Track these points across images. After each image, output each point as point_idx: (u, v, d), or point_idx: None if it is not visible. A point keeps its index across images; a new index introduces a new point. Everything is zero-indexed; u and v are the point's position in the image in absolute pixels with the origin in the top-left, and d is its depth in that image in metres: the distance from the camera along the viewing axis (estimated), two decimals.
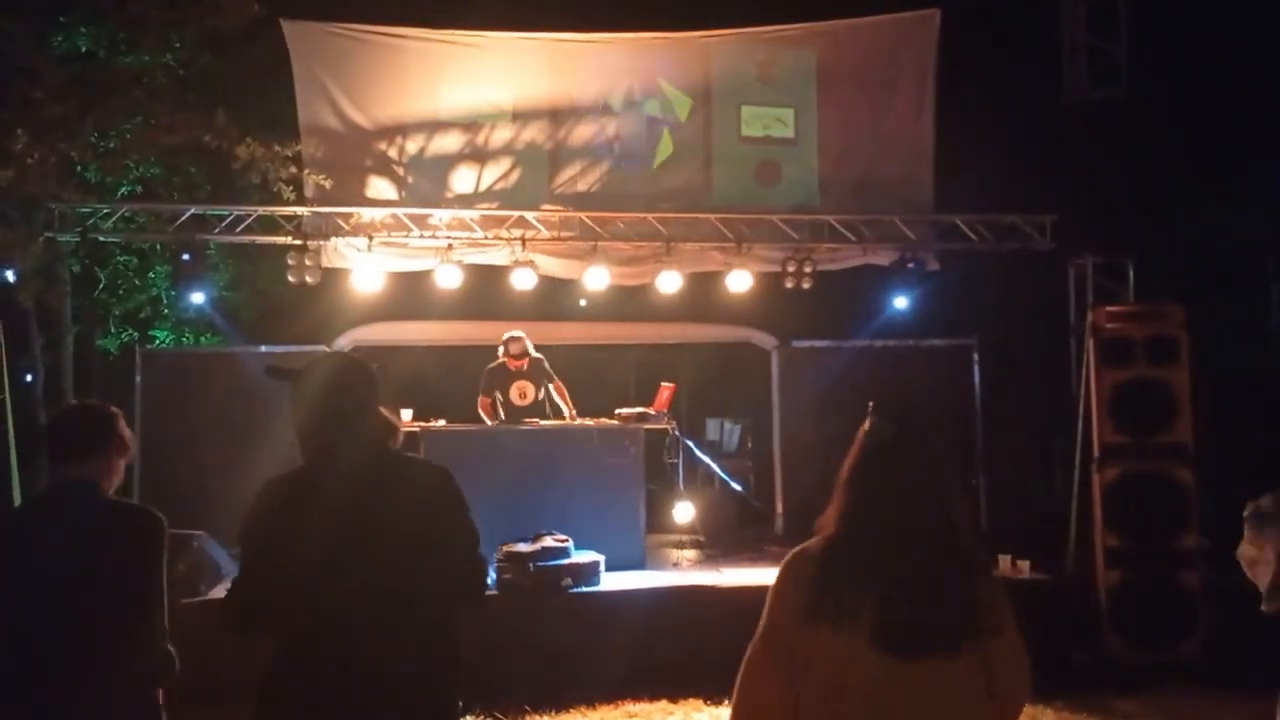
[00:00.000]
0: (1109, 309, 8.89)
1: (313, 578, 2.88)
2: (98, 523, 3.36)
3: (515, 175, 10.55)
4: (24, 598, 3.26)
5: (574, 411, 9.78)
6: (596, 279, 10.33)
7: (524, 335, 9.88)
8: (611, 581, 8.42)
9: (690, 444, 10.81)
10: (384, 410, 3.17)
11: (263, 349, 11.02)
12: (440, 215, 10.20)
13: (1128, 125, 10.49)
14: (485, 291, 10.85)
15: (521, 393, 9.80)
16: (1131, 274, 10.07)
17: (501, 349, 9.85)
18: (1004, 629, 2.62)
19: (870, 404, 2.88)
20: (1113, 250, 10.15)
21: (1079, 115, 10.65)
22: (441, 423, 9.26)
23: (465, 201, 10.39)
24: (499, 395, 9.81)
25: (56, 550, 3.28)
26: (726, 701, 7.20)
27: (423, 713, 2.97)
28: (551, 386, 9.88)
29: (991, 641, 2.59)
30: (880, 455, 2.76)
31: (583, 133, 10.65)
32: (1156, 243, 10.50)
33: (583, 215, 10.31)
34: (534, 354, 9.91)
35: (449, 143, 10.48)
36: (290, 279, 10.11)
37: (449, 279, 10.13)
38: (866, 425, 2.84)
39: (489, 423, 9.61)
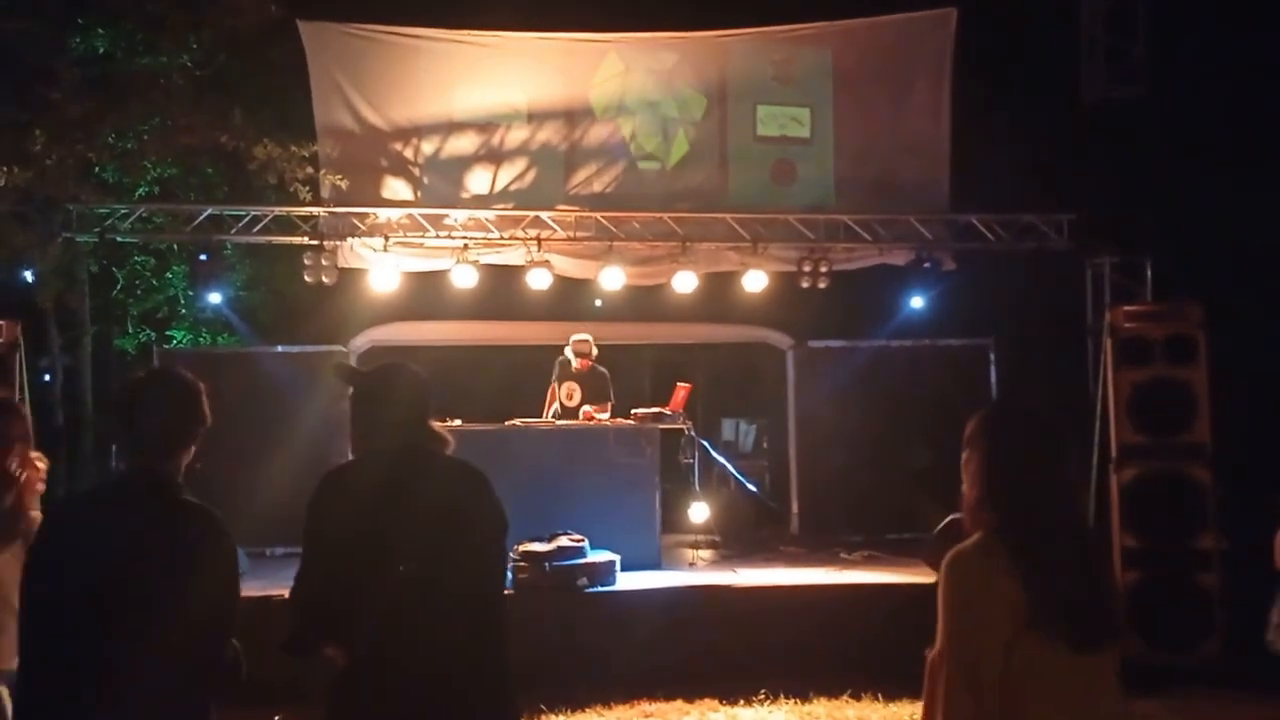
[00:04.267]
0: (1127, 308, 8.83)
1: (364, 561, 2.98)
2: (163, 523, 2.99)
3: (530, 176, 10.56)
4: (68, 593, 2.90)
5: (593, 416, 9.74)
6: (612, 279, 10.33)
7: (589, 339, 9.90)
8: (627, 581, 8.41)
9: (706, 444, 10.79)
10: (434, 423, 3.29)
11: (279, 349, 11.04)
12: (456, 215, 10.23)
13: (1146, 124, 10.44)
14: (501, 291, 10.86)
15: (570, 394, 9.87)
16: (1149, 273, 10.03)
17: (569, 347, 9.93)
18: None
19: (991, 404, 2.83)
20: (1130, 249, 10.12)
21: (1097, 115, 10.61)
22: (457, 422, 9.26)
23: (481, 202, 10.41)
24: (557, 389, 9.91)
25: (111, 547, 2.93)
26: (742, 702, 7.26)
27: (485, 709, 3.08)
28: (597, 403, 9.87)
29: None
30: (1042, 449, 2.70)
31: (598, 133, 10.66)
32: (1175, 242, 10.44)
33: (598, 215, 10.31)
34: (598, 365, 9.94)
35: (464, 143, 10.50)
36: (307, 279, 10.14)
37: (465, 279, 10.15)
38: (983, 419, 2.77)
39: (546, 411, 9.81)
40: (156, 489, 3.03)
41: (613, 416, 9.65)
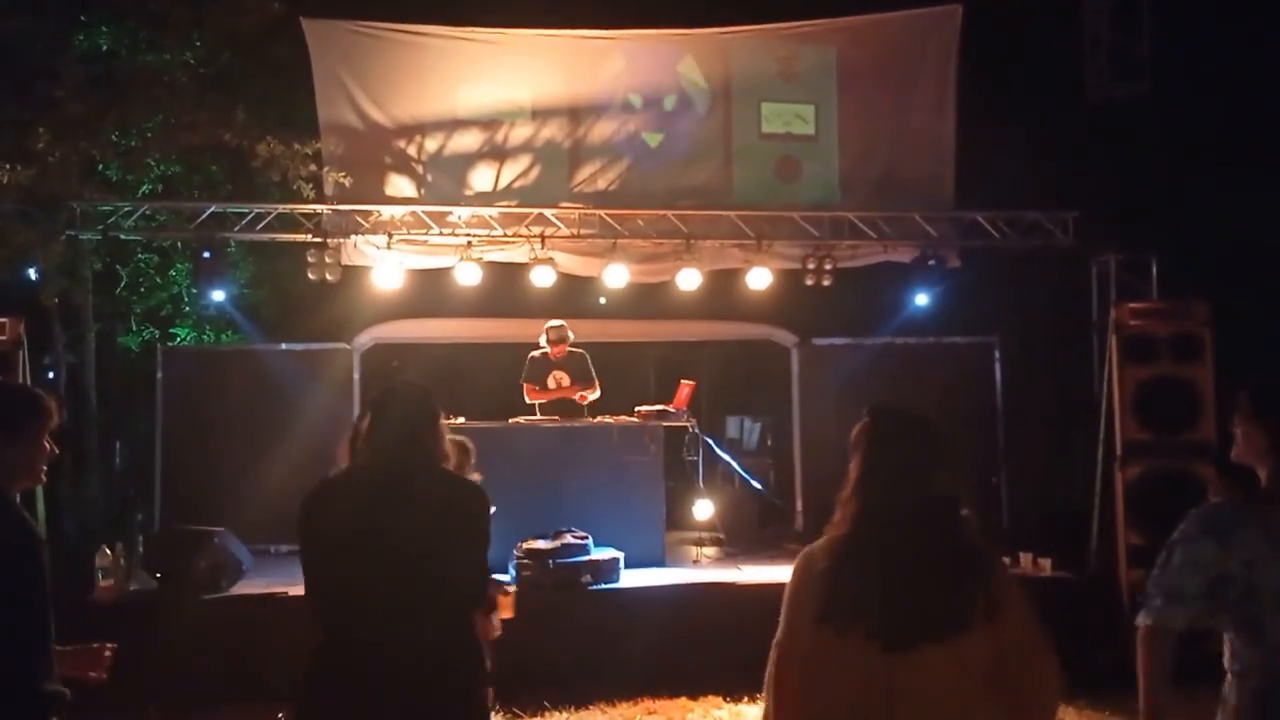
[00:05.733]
0: (1132, 306, 8.83)
1: (344, 565, 3.15)
2: None
3: (534, 173, 10.55)
4: None
5: (586, 399, 9.71)
6: (616, 276, 10.31)
7: (564, 324, 9.84)
8: (631, 579, 8.41)
9: (710, 441, 10.79)
10: (444, 437, 3.43)
11: (283, 347, 11.05)
12: (460, 213, 10.21)
13: (1151, 122, 10.42)
14: (505, 289, 10.84)
15: (558, 381, 9.80)
16: (1155, 271, 10.01)
17: (543, 337, 9.82)
18: (1007, 614, 2.63)
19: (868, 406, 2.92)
20: (1136, 247, 10.10)
21: (1102, 112, 10.59)
22: (461, 420, 9.26)
23: (484, 199, 10.40)
24: (538, 386, 9.82)
25: None
26: (746, 699, 7.26)
27: (447, 704, 3.14)
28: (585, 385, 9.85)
29: (995, 627, 2.60)
30: (876, 450, 2.79)
31: (602, 130, 10.64)
32: (1180, 240, 10.42)
33: (602, 212, 10.30)
34: (575, 349, 9.88)
35: (468, 140, 10.49)
36: (310, 276, 10.13)
37: (468, 276, 10.14)
38: (861, 423, 2.88)
39: (533, 402, 9.70)
40: None
41: (613, 410, 9.65)
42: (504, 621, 4.82)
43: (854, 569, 2.64)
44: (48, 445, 3.17)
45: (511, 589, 5.04)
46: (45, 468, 3.19)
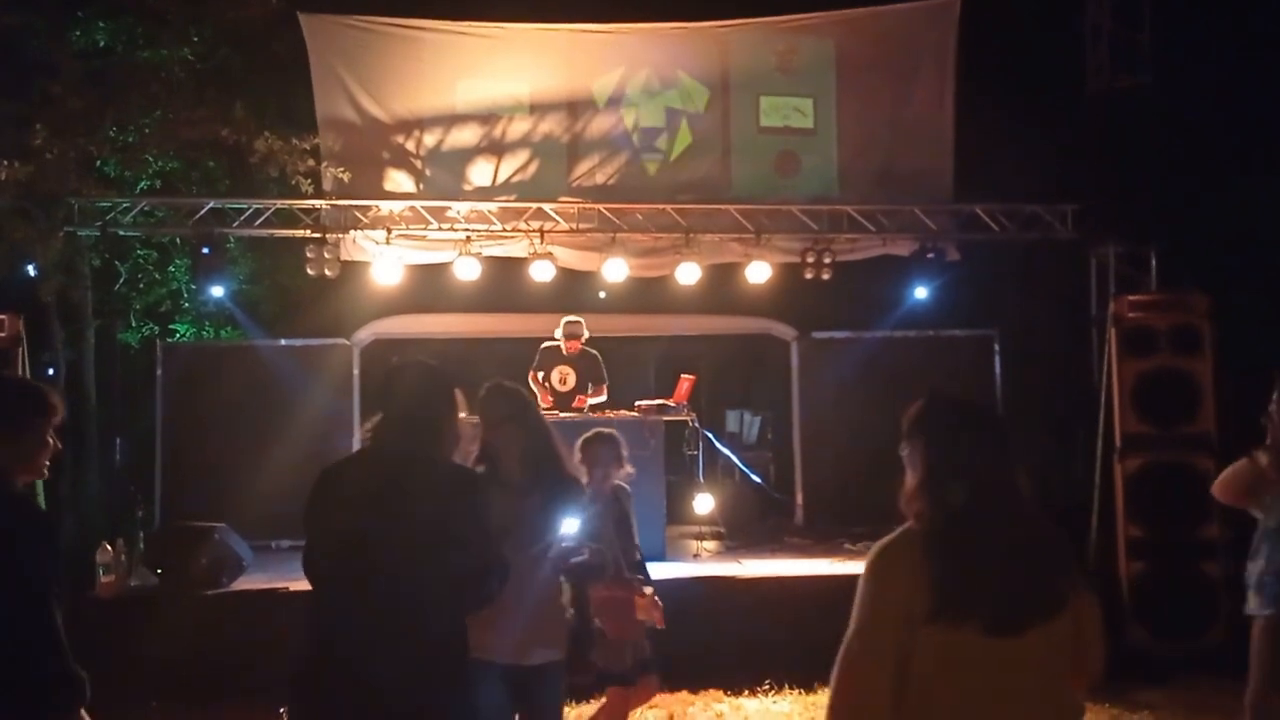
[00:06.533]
0: (1131, 298, 8.82)
1: (338, 558, 3.12)
2: None
3: (533, 167, 10.54)
4: None
5: (585, 404, 9.69)
6: (615, 271, 10.29)
7: (581, 321, 9.86)
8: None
9: (710, 436, 10.79)
10: (453, 420, 3.42)
11: (282, 342, 11.06)
12: (458, 208, 10.20)
13: (1152, 113, 10.40)
14: (504, 284, 10.84)
15: (563, 378, 9.82)
16: (1154, 263, 10.00)
17: (559, 330, 9.85)
18: (1082, 587, 2.72)
19: (928, 390, 2.88)
20: (1136, 240, 10.08)
21: (1102, 104, 10.57)
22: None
23: (483, 194, 10.39)
24: (543, 375, 9.82)
25: None
26: (746, 692, 7.25)
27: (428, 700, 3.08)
28: (592, 385, 9.84)
29: (1076, 602, 2.68)
30: (944, 442, 2.76)
31: (600, 124, 10.63)
32: (1180, 232, 10.41)
33: (601, 207, 10.29)
34: (589, 347, 9.90)
35: (466, 135, 10.48)
36: (309, 272, 10.13)
37: (467, 271, 10.12)
38: (919, 410, 2.83)
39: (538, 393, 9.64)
40: None
41: (614, 405, 9.64)
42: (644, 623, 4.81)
43: (953, 564, 2.61)
44: (51, 441, 3.16)
45: (648, 590, 5.00)
46: (48, 462, 3.19)
